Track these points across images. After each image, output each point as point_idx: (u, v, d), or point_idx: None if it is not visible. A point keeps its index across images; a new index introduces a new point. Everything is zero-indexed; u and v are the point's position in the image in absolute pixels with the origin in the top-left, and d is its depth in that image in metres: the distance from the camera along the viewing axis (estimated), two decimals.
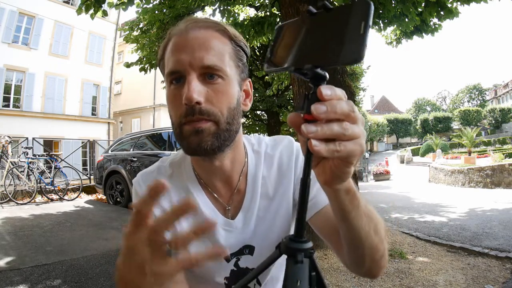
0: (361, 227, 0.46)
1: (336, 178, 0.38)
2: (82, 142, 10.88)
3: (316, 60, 0.33)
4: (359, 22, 0.31)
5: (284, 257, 0.72)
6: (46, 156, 6.94)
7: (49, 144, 12.40)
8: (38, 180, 6.28)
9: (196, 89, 0.52)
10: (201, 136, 0.54)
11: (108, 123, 16.86)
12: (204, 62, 0.53)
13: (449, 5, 4.35)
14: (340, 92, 0.34)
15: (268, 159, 0.69)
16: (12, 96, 13.39)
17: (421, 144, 29.28)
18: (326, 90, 0.32)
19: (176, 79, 0.55)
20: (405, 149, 29.66)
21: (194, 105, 0.53)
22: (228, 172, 0.64)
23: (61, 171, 6.80)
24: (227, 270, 0.67)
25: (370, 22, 0.31)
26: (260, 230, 0.66)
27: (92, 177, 8.12)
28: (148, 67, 5.86)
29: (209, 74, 0.54)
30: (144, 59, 5.80)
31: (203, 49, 0.54)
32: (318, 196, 0.63)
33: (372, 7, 0.31)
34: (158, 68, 0.64)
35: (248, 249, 0.66)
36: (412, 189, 9.23)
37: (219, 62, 0.55)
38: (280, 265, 0.70)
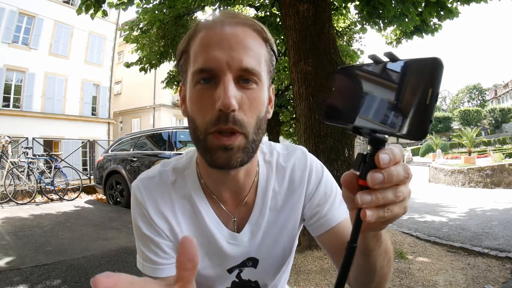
0: (377, 261, 0.47)
1: (370, 230, 0.40)
2: (82, 142, 10.87)
3: (375, 124, 0.31)
4: (426, 89, 0.27)
5: (287, 266, 0.72)
6: (46, 156, 6.93)
7: (49, 144, 12.39)
8: (38, 180, 6.28)
9: (233, 95, 0.47)
10: (231, 153, 0.49)
11: (108, 123, 16.85)
12: (243, 64, 0.48)
13: (449, 5, 4.36)
14: (398, 153, 0.31)
15: (280, 171, 0.64)
16: (12, 96, 13.37)
17: (421, 144, 29.26)
18: (384, 157, 0.30)
19: (205, 79, 0.49)
20: (405, 149, 29.64)
21: (229, 112, 0.47)
22: (241, 183, 0.60)
23: (61, 171, 6.80)
24: (228, 281, 0.65)
25: (439, 90, 0.27)
26: (266, 244, 0.64)
27: (92, 177, 8.12)
28: (148, 67, 5.87)
29: (244, 78, 0.49)
30: (144, 59, 5.81)
31: (242, 48, 0.49)
32: (329, 214, 0.62)
33: (443, 70, 0.26)
34: (178, 61, 0.56)
35: (251, 262, 0.64)
36: (412, 189, 9.23)
37: (257, 66, 0.50)
38: (282, 273, 0.70)
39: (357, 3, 4.59)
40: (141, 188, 0.61)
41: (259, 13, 5.70)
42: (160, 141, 5.64)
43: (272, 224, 0.63)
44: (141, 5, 4.80)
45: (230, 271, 0.64)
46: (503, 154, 11.78)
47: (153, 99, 19.45)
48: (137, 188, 0.61)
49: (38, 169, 6.42)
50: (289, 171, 0.64)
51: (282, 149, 0.67)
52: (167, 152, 5.19)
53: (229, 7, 4.93)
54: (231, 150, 0.49)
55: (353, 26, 7.17)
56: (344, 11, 6.28)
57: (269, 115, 0.58)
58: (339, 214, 0.62)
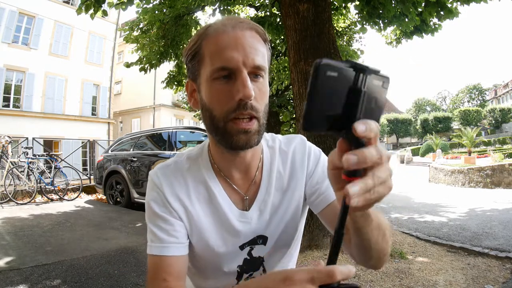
0: (371, 237, 0.50)
1: (357, 210, 0.42)
2: (82, 142, 10.88)
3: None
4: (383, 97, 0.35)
5: (295, 250, 0.76)
6: (46, 156, 6.93)
7: (49, 144, 12.40)
8: (38, 180, 6.28)
9: (252, 87, 0.56)
10: (249, 135, 0.59)
11: (108, 123, 16.85)
12: (255, 62, 0.57)
13: (449, 5, 4.36)
14: (374, 127, 0.33)
15: (283, 155, 0.73)
16: (12, 96, 13.37)
17: (421, 144, 29.26)
18: (361, 126, 0.33)
19: (224, 75, 0.57)
20: (405, 149, 29.63)
21: (248, 101, 0.56)
22: (248, 163, 0.68)
23: (61, 171, 6.80)
24: (240, 258, 0.70)
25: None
26: (274, 222, 0.69)
27: (92, 177, 8.12)
28: (148, 67, 5.86)
29: (255, 74, 0.59)
30: (144, 59, 5.80)
31: (253, 49, 0.58)
32: (328, 190, 0.68)
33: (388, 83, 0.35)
34: (186, 59, 0.63)
35: (261, 239, 0.69)
36: (412, 189, 9.22)
37: (264, 63, 0.59)
38: (290, 257, 0.75)
39: (357, 3, 4.59)
40: (158, 174, 0.68)
41: (259, 13, 5.70)
42: (160, 141, 5.64)
43: (279, 204, 0.70)
44: (141, 5, 4.80)
45: (241, 247, 0.69)
46: (503, 154, 11.79)
47: (153, 99, 19.46)
48: (155, 174, 0.68)
49: (38, 169, 6.42)
50: (291, 155, 0.72)
51: (283, 138, 0.77)
52: (167, 152, 5.19)
53: (229, 7, 4.93)
54: (250, 133, 0.59)
55: (353, 26, 7.17)
56: (344, 11, 6.28)
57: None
58: None
